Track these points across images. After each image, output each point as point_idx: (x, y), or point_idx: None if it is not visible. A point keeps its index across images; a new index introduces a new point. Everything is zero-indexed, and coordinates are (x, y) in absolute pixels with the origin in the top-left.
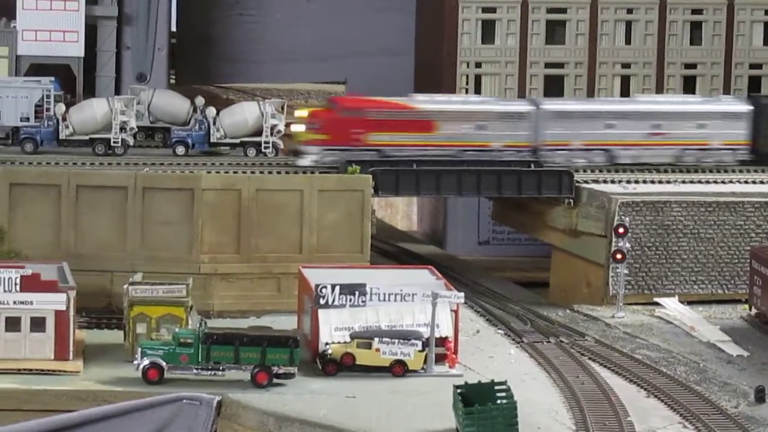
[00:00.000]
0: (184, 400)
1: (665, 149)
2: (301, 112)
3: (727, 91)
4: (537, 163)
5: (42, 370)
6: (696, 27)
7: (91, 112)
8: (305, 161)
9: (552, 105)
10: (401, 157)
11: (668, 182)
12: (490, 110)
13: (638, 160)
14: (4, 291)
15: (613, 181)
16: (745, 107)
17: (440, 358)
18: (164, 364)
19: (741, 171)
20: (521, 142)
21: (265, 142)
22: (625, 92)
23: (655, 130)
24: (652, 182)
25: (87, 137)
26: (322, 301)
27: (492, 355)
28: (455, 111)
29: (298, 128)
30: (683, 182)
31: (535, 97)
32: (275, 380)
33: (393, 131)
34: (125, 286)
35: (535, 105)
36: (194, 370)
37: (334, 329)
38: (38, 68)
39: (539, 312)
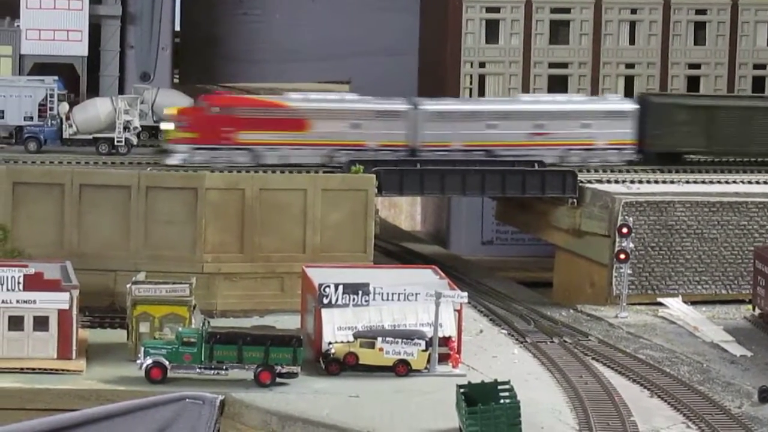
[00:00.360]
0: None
1: (549, 149)
2: (171, 110)
3: (730, 92)
4: (541, 163)
5: (45, 369)
6: (700, 27)
7: (94, 112)
8: (173, 160)
9: (431, 105)
10: (272, 156)
11: (672, 182)
12: (365, 109)
13: (518, 160)
14: (7, 290)
15: (616, 181)
16: (631, 106)
17: (443, 358)
18: (167, 363)
19: (744, 171)
20: (398, 141)
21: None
22: (629, 92)
23: (538, 130)
24: (656, 182)
25: (90, 136)
26: (325, 301)
27: (495, 354)
28: (328, 109)
29: (167, 126)
30: (687, 182)
31: (415, 97)
32: (278, 379)
33: (265, 130)
34: (128, 285)
35: (413, 104)
36: (197, 370)
37: (337, 329)
38: (42, 67)
39: (543, 312)
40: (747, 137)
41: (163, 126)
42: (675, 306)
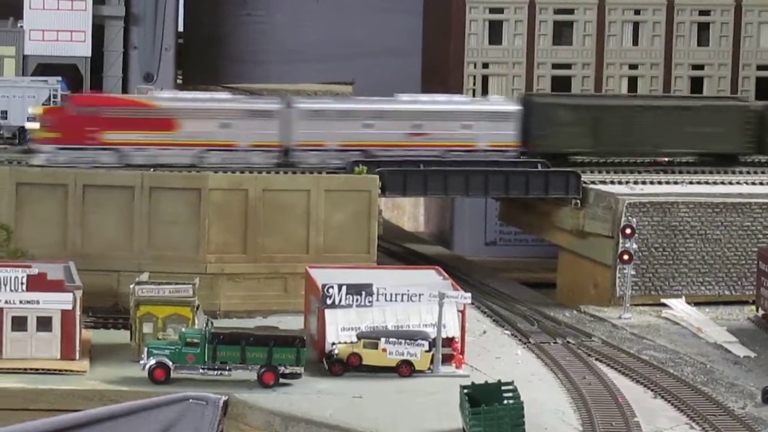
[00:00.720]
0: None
1: (428, 150)
2: (37, 109)
3: (734, 92)
4: (544, 164)
5: (48, 370)
6: (703, 28)
7: None
8: (37, 160)
9: (305, 103)
10: (140, 156)
11: (675, 183)
12: (235, 108)
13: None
14: (11, 290)
15: (620, 182)
16: (514, 107)
17: (447, 359)
18: (170, 363)
19: (748, 172)
20: (270, 141)
21: None
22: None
23: (416, 130)
24: (659, 183)
25: None
26: (328, 301)
27: (499, 355)
28: (197, 108)
29: (32, 126)
30: (690, 183)
31: (289, 95)
32: (282, 380)
33: (131, 130)
34: (132, 286)
35: (286, 103)
36: (200, 370)
37: (340, 329)
38: (45, 68)
39: (546, 313)
40: (632, 137)
41: (28, 125)
42: (678, 307)
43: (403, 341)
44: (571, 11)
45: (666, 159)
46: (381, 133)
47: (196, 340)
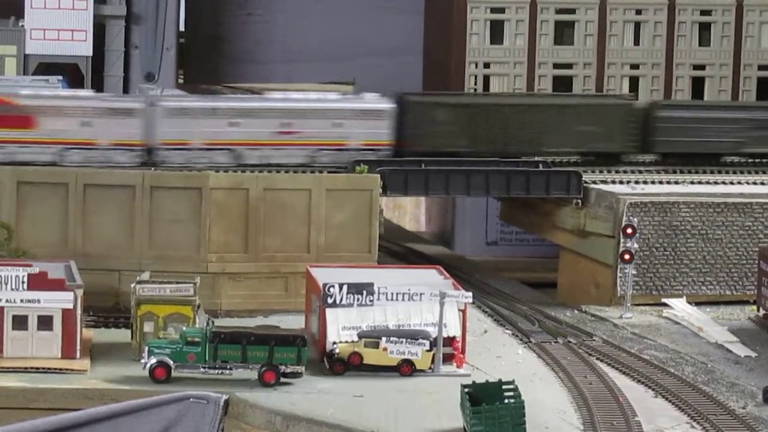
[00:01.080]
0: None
1: (297, 149)
2: None
3: (735, 93)
4: (545, 164)
5: (49, 369)
6: (705, 28)
7: None
8: None
9: (169, 101)
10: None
11: (677, 183)
12: (95, 106)
13: (268, 161)
14: (11, 289)
15: (621, 182)
16: (387, 105)
17: (448, 358)
18: (171, 362)
19: (750, 172)
20: (133, 140)
21: None
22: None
23: (285, 128)
24: (661, 183)
25: None
26: (330, 301)
27: (500, 355)
28: (57, 106)
29: None
30: (692, 183)
31: (154, 93)
32: (283, 379)
33: None
34: (133, 285)
35: (150, 101)
36: (201, 369)
37: (341, 328)
38: (46, 67)
39: (547, 312)
40: (511, 136)
41: None
42: (679, 306)
43: (404, 340)
44: (572, 11)
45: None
46: (248, 131)
47: (197, 339)
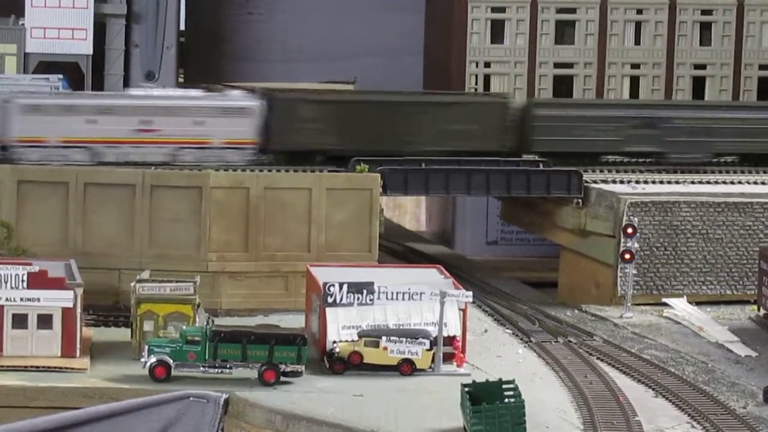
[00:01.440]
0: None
1: (157, 147)
2: None
3: (736, 92)
4: (546, 163)
5: (49, 368)
6: (705, 28)
7: None
8: None
9: (23, 99)
10: None
11: (677, 182)
12: None
13: (126, 159)
14: (11, 288)
15: (622, 181)
16: (252, 103)
17: (448, 357)
18: (171, 361)
19: (750, 172)
20: None
21: None
22: (634, 93)
23: (145, 126)
24: (661, 182)
25: None
26: (330, 300)
27: (500, 354)
28: None
29: None
30: (692, 182)
31: (9, 91)
32: (282, 378)
33: None
34: (133, 284)
35: (4, 99)
36: (201, 368)
37: (341, 328)
38: (47, 66)
39: (547, 312)
40: (381, 135)
41: None
42: (680, 306)
43: (404, 340)
44: (573, 10)
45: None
46: (106, 129)
47: (197, 338)
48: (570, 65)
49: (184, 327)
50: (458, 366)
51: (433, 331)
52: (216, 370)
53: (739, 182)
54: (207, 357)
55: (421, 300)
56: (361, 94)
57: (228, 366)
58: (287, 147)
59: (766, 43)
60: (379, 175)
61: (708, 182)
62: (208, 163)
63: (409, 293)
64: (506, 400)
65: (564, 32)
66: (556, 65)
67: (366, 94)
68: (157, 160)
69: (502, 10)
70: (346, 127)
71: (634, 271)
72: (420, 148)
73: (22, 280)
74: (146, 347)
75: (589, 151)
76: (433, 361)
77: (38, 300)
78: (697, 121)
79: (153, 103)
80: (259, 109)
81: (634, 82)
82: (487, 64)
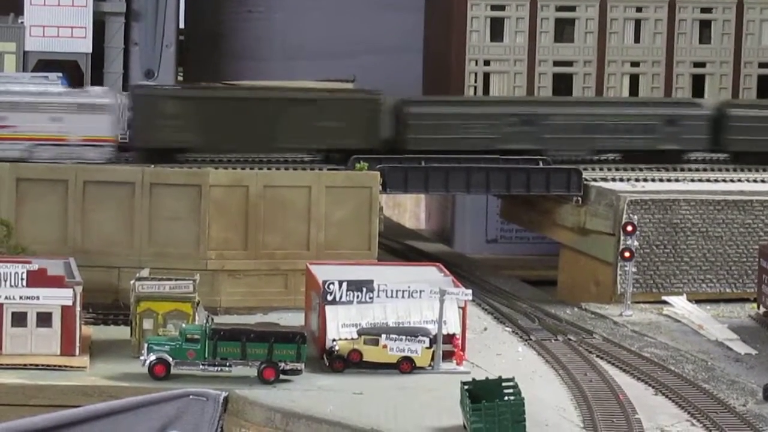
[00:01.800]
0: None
1: (13, 144)
2: None
3: (736, 90)
4: (546, 161)
5: (48, 366)
6: (705, 26)
7: None
8: None
9: None
10: None
11: (677, 180)
12: None
13: None
14: (11, 286)
15: (621, 179)
16: (108, 99)
17: (448, 355)
18: (171, 359)
19: (750, 170)
20: None
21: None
22: (633, 91)
23: (0, 122)
24: (661, 180)
25: None
26: (329, 298)
27: (500, 352)
28: None
29: None
30: (692, 180)
31: None
32: (282, 376)
33: None
34: (132, 282)
35: None
36: (201, 366)
37: (341, 326)
38: (46, 64)
39: (547, 310)
40: (245, 132)
41: None
42: (679, 304)
43: (403, 338)
44: (572, 8)
45: None
46: None
47: (196, 336)
48: (570, 63)
49: (183, 325)
50: (458, 364)
51: (433, 329)
52: (215, 368)
53: (739, 180)
54: (206, 355)
55: (420, 298)
56: (225, 90)
57: (227, 364)
58: (148, 144)
59: (765, 41)
60: (378, 173)
61: (708, 180)
62: (64, 161)
63: (409, 291)
64: (506, 398)
65: (564, 30)
66: (556, 63)
67: (229, 90)
68: (13, 157)
69: (502, 8)
70: (208, 124)
71: (634, 269)
72: (285, 145)
73: (22, 279)
74: (146, 345)
75: (463, 149)
76: (432, 359)
77: (37, 298)
78: (577, 117)
79: (8, 99)
80: (118, 105)
81: (634, 80)
82: (487, 62)
